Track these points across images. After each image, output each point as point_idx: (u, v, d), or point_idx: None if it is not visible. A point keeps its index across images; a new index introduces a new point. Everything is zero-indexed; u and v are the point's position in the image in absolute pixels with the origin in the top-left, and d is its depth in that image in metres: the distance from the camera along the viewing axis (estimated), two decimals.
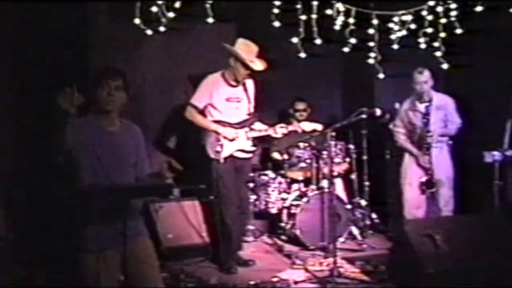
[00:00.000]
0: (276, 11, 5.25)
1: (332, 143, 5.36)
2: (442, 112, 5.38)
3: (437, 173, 5.33)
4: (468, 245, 3.97)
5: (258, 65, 4.94)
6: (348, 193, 6.22)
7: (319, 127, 5.11)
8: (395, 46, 5.61)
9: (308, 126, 5.15)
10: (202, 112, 5.00)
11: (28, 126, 4.84)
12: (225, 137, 4.91)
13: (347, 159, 6.04)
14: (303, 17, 5.27)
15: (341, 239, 5.53)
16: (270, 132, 5.13)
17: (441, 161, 5.38)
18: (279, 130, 5.11)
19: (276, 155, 6.22)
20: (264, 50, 5.04)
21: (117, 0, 5.29)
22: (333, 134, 5.00)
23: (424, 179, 5.33)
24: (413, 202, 5.44)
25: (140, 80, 5.60)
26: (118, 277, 3.01)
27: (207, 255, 5.22)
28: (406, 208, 5.47)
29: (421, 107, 5.38)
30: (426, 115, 5.32)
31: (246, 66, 4.90)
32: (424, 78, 5.31)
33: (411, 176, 5.48)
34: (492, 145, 4.86)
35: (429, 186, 5.30)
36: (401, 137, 5.57)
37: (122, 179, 3.00)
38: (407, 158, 5.54)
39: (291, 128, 5.19)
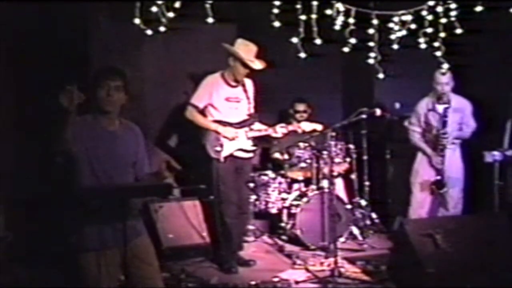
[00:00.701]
0: (276, 11, 5.24)
1: (332, 143, 5.38)
2: (458, 115, 5.38)
3: (449, 174, 5.32)
4: (468, 245, 3.97)
5: (257, 65, 4.97)
6: (348, 193, 6.22)
7: (319, 127, 5.11)
8: (395, 46, 5.60)
9: (308, 126, 5.17)
10: (202, 112, 5.01)
11: (28, 125, 4.84)
12: (225, 137, 4.92)
13: (347, 159, 6.04)
14: (303, 17, 5.27)
15: (342, 239, 5.54)
16: (270, 132, 5.13)
17: (453, 162, 5.37)
18: (279, 130, 5.12)
19: (277, 155, 6.22)
20: (264, 50, 5.04)
21: (117, 0, 5.29)
22: (333, 134, 5.01)
23: (434, 179, 5.33)
24: (422, 202, 5.45)
25: (140, 80, 5.59)
26: (118, 277, 3.01)
27: (208, 255, 5.23)
28: (413, 207, 5.47)
29: (440, 108, 5.36)
30: (444, 116, 5.31)
31: (245, 65, 4.91)
32: (446, 79, 5.31)
33: (423, 175, 5.47)
34: (492, 145, 4.86)
35: (439, 186, 5.31)
36: (416, 136, 5.54)
37: (121, 179, 3.00)
38: (419, 157, 5.52)
39: (291, 128, 5.20)
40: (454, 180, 5.34)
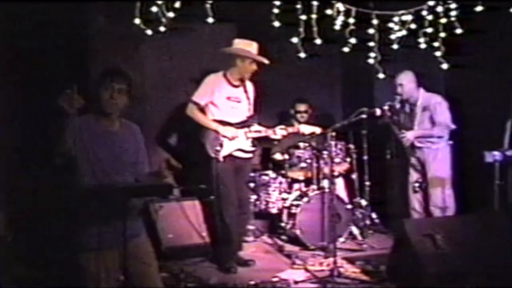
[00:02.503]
0: (276, 11, 5.24)
1: (333, 143, 5.38)
2: (427, 113, 5.43)
3: (433, 173, 5.37)
4: (468, 245, 3.97)
5: (265, 59, 4.99)
6: (348, 193, 6.22)
7: (317, 130, 5.14)
8: (395, 46, 5.60)
9: (307, 129, 5.19)
10: (203, 110, 5.01)
11: (28, 126, 4.84)
12: (224, 136, 4.92)
13: (348, 159, 6.04)
14: (303, 17, 5.27)
15: (342, 239, 5.53)
16: (269, 133, 5.14)
17: (437, 161, 5.40)
18: (279, 132, 5.13)
19: (277, 156, 6.22)
20: (264, 50, 5.06)
21: (117, 0, 5.29)
22: (333, 134, 5.01)
23: (414, 178, 5.42)
24: (418, 200, 5.56)
25: (140, 80, 5.59)
26: (117, 277, 3.01)
27: (207, 255, 5.22)
28: (411, 206, 5.59)
29: (407, 107, 5.49)
30: (409, 115, 5.46)
31: (255, 61, 4.93)
32: (398, 80, 5.45)
33: (412, 175, 5.59)
34: (492, 145, 4.86)
35: (419, 186, 5.37)
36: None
37: (122, 179, 3.00)
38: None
39: (290, 130, 5.20)
40: (439, 179, 5.36)
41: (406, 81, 5.45)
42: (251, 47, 5.00)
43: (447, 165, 5.44)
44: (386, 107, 5.41)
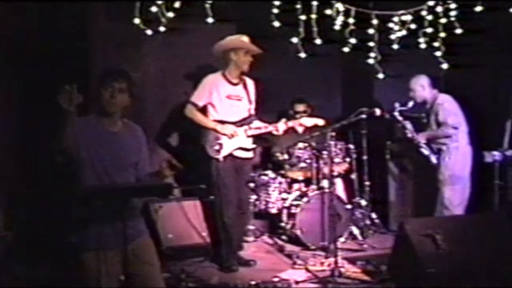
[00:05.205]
0: (276, 11, 5.24)
1: (332, 143, 5.37)
2: (434, 115, 5.43)
3: (443, 172, 5.34)
4: (468, 245, 3.97)
5: (257, 48, 5.00)
6: (348, 193, 6.22)
7: (320, 122, 5.10)
8: (395, 46, 5.61)
9: (309, 121, 5.13)
10: (201, 111, 5.00)
11: (28, 125, 4.85)
12: (223, 134, 4.91)
13: (347, 159, 6.04)
14: (303, 17, 5.27)
15: (342, 239, 5.53)
16: (271, 129, 5.12)
17: (448, 160, 5.38)
18: (280, 127, 5.10)
19: (277, 156, 6.21)
20: (264, 50, 5.06)
21: (117, 0, 5.29)
22: (333, 134, 5.00)
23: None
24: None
25: (140, 79, 5.59)
26: (118, 277, 3.01)
27: (208, 255, 5.22)
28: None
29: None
30: (397, 121, 5.53)
31: (248, 52, 4.94)
32: (410, 85, 5.48)
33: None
34: (492, 145, 4.87)
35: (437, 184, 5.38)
36: None
37: (123, 179, 3.00)
38: None
39: (290, 124, 5.15)
40: (446, 178, 5.34)
41: (417, 85, 5.46)
42: (242, 38, 5.01)
43: (460, 164, 5.35)
44: (397, 110, 5.43)
